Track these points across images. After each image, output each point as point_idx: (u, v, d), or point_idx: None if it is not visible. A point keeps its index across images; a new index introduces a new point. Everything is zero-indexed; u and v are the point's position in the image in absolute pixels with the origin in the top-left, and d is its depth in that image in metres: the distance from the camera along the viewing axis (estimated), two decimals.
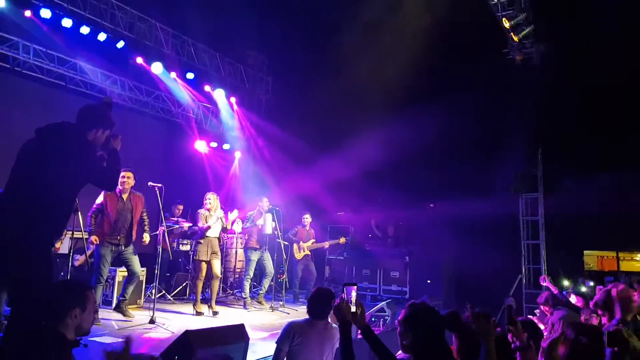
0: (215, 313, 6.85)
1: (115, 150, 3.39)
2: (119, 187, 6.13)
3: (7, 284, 3.15)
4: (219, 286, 7.43)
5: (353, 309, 2.63)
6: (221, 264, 7.55)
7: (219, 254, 7.24)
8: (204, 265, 6.98)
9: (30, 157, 3.00)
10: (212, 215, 7.12)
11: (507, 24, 8.16)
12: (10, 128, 7.60)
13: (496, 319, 2.59)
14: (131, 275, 6.26)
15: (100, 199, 6.12)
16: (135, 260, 6.26)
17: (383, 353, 2.53)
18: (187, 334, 3.71)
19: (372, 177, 9.94)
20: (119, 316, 6.14)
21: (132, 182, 6.23)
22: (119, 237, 6.06)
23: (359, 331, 2.75)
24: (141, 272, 6.59)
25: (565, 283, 8.09)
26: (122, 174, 6.10)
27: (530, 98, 8.64)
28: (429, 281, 9.47)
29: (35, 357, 2.29)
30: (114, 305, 6.43)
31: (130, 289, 6.31)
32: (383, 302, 6.24)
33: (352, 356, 2.45)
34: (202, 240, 7.06)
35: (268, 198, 8.36)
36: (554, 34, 8.35)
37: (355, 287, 2.68)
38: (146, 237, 6.49)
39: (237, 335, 4.05)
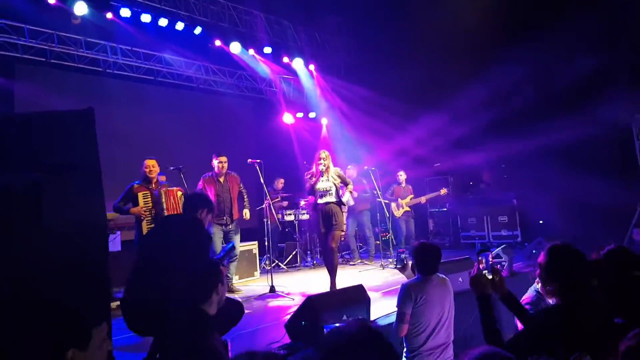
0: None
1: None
2: (217, 170, 6.41)
3: None
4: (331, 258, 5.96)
5: (489, 276, 2.47)
6: (337, 237, 5.98)
7: (335, 224, 5.85)
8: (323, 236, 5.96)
9: None
10: (322, 179, 5.97)
11: None
12: (112, 127, 8.05)
13: None
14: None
15: (199, 186, 6.40)
16: (236, 240, 6.55)
17: (523, 315, 2.38)
18: (310, 299, 3.77)
19: (467, 124, 9.38)
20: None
21: (226, 165, 6.48)
22: (224, 217, 6.36)
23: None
24: (239, 249, 6.81)
25: None
26: (219, 158, 6.38)
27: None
28: (541, 222, 8.91)
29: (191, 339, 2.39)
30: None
31: (233, 266, 6.54)
32: (499, 248, 5.95)
33: (496, 331, 2.28)
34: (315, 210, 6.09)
35: (363, 159, 8.27)
36: None
37: (490, 252, 2.49)
38: (246, 213, 6.67)
39: (357, 295, 4.06)
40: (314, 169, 6.08)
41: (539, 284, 4.61)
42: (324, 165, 5.97)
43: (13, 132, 2.53)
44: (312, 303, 3.73)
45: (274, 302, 5.70)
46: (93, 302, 2.34)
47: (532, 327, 2.15)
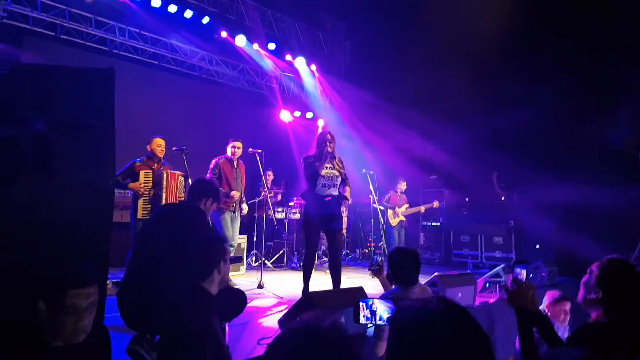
0: None
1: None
2: (230, 155, 6.32)
3: None
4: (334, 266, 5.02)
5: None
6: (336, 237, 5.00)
7: (341, 223, 5.07)
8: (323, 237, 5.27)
9: None
10: (328, 164, 4.92)
11: None
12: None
13: None
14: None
15: (213, 166, 6.25)
16: (237, 230, 6.39)
17: (554, 339, 2.18)
18: (309, 295, 3.66)
19: (468, 137, 9.24)
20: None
21: (240, 151, 6.38)
22: (234, 204, 6.22)
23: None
24: (239, 241, 6.72)
25: None
26: (234, 143, 6.31)
27: None
28: (537, 246, 8.71)
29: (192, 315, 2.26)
30: None
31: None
32: (499, 267, 5.87)
33: (536, 354, 2.05)
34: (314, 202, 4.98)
35: (360, 164, 8.17)
36: None
37: (527, 265, 2.23)
38: (245, 208, 6.57)
39: (358, 297, 3.91)
40: (319, 152, 4.95)
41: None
42: (331, 148, 4.89)
43: (25, 83, 2.39)
44: (310, 299, 3.61)
45: (262, 299, 5.53)
46: (83, 268, 2.17)
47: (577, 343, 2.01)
